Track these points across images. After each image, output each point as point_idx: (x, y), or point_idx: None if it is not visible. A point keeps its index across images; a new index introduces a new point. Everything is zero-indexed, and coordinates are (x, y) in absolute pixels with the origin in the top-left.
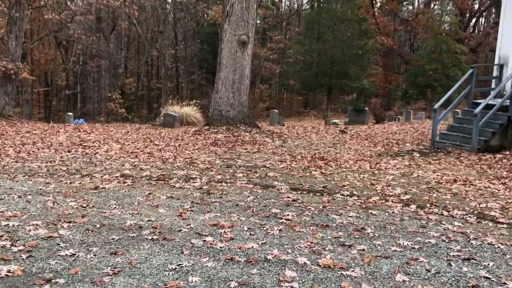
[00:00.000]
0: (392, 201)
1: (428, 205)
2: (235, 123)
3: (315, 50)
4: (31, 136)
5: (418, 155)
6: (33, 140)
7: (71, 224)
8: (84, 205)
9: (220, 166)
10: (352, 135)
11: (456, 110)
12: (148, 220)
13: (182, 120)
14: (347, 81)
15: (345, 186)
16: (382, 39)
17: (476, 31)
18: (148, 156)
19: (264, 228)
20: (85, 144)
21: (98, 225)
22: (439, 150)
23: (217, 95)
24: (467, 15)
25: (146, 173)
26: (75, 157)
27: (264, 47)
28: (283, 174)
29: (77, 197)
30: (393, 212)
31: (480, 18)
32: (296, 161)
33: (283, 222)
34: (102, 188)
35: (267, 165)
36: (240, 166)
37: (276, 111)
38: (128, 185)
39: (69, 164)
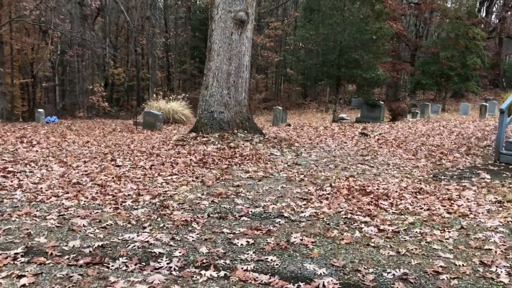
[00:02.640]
0: None
1: None
2: (231, 128)
3: (321, 35)
4: None
5: (488, 176)
6: None
7: None
8: None
9: (208, 215)
10: (378, 139)
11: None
12: None
13: (169, 118)
14: (359, 71)
15: (439, 272)
16: (391, 23)
17: (490, 15)
18: (97, 192)
19: None
20: (12, 168)
21: None
22: (510, 165)
23: (207, 91)
24: None
25: (74, 243)
26: None
27: (261, 34)
28: (315, 237)
29: None
30: None
31: (493, 2)
32: (327, 198)
33: None
34: None
35: (284, 212)
36: (241, 216)
37: (280, 108)
38: (23, 286)
39: None
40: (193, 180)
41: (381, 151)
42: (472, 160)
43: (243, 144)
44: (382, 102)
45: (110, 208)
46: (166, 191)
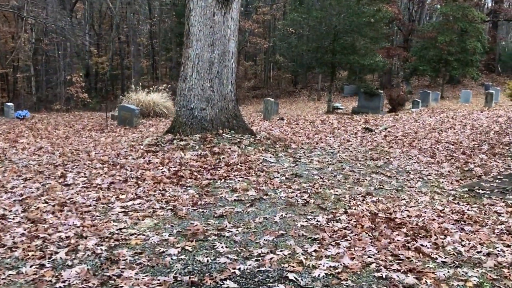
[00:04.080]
0: None
1: None
2: (215, 128)
3: (314, 19)
4: None
5: None
6: None
7: None
8: None
9: (175, 278)
10: (385, 136)
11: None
12: None
13: (149, 111)
14: (356, 57)
15: None
16: (386, 6)
17: None
18: (23, 233)
19: None
20: None
21: None
22: None
23: (185, 84)
24: None
25: None
26: None
27: (249, 19)
28: None
29: None
30: None
31: None
32: (345, 237)
33: None
34: None
35: (288, 269)
36: (223, 279)
37: (272, 100)
38: None
39: None
40: (161, 207)
41: (393, 152)
42: (504, 163)
43: (230, 148)
44: (381, 91)
45: (31, 267)
46: (121, 228)
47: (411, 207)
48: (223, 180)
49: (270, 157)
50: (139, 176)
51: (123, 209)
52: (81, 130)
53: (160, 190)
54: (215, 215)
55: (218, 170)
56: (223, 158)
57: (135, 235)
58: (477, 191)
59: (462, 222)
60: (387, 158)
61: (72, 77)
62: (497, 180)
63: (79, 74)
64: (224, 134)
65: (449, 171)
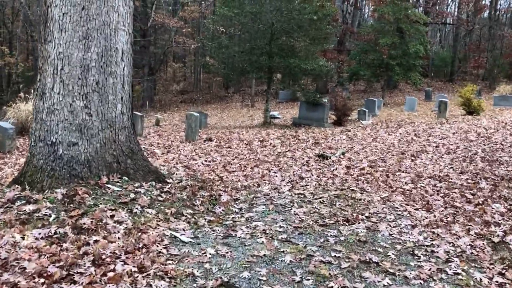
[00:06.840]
0: None
1: None
2: (95, 174)
3: (248, 14)
4: None
5: None
6: None
7: None
8: None
9: None
10: (347, 167)
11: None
12: None
13: None
14: (296, 61)
15: None
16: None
17: None
18: None
19: None
20: None
21: None
22: None
23: (42, 103)
24: None
25: None
26: None
27: (175, 16)
28: None
29: None
30: None
31: None
32: None
33: None
34: None
35: None
36: None
37: (197, 114)
38: None
39: None
40: None
41: (370, 200)
42: None
43: (113, 216)
44: (325, 101)
45: None
46: None
47: None
48: None
49: (184, 230)
50: None
51: None
52: None
53: None
54: None
55: (74, 282)
56: (94, 242)
57: None
58: None
59: None
60: (366, 217)
61: None
62: None
63: None
64: (109, 185)
65: (472, 246)
